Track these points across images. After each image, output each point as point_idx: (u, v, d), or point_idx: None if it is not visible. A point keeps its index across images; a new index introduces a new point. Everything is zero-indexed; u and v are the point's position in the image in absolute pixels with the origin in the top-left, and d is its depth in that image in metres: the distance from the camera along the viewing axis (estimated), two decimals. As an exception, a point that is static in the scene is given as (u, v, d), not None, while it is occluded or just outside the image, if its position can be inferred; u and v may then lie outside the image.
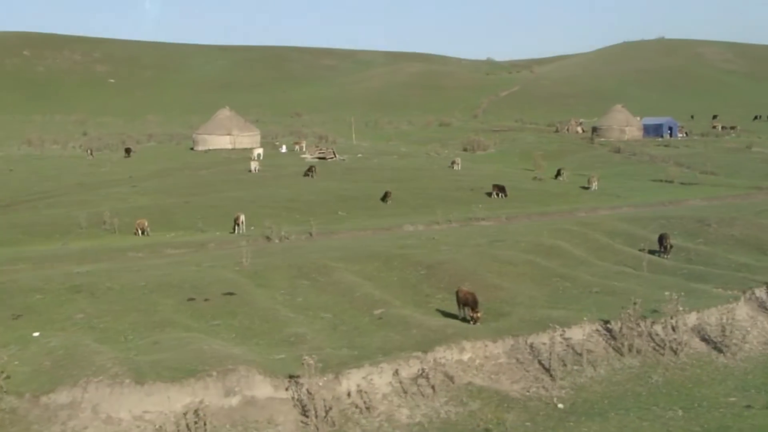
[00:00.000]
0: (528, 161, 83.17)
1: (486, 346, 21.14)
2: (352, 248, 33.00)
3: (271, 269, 29.31)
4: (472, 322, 23.03)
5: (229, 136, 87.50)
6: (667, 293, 23.07)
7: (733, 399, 20.26)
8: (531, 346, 21.52)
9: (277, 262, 30.28)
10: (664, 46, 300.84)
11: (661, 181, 67.31)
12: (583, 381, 20.81)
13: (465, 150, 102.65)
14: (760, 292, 27.39)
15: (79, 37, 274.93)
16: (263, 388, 18.33)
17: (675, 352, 22.41)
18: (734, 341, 23.09)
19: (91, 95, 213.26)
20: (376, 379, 19.13)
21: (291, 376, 18.55)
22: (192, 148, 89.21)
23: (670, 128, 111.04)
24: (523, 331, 21.98)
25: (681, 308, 22.58)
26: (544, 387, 20.31)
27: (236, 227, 42.25)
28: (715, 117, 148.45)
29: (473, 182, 61.59)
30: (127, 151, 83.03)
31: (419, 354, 20.27)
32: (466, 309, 23.61)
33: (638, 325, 22.67)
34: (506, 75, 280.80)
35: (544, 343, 21.34)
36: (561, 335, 22.04)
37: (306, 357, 18.09)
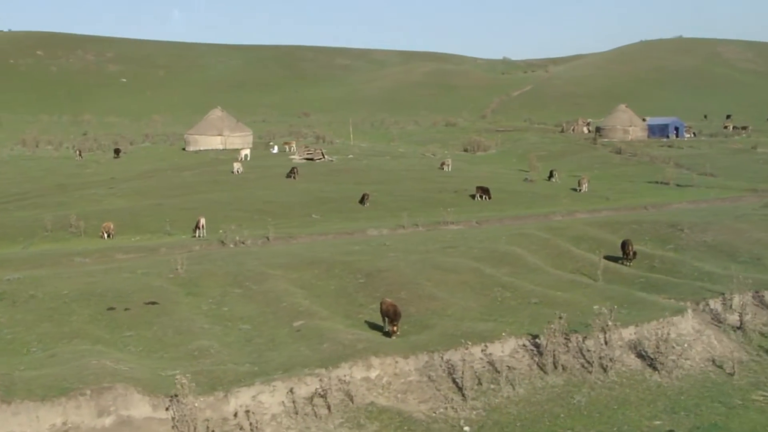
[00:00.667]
0: (527, 162, 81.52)
1: (396, 362, 19.86)
2: (299, 254, 31.86)
3: (206, 276, 28.32)
4: (391, 336, 21.82)
5: (220, 136, 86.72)
6: (596, 306, 21.64)
7: (657, 422, 18.88)
8: (447, 362, 20.20)
9: (214, 268, 29.25)
10: (682, 45, 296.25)
11: (657, 182, 65.39)
12: (498, 401, 19.46)
13: (465, 150, 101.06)
14: (714, 304, 25.90)
15: (93, 37, 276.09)
16: (141, 408, 17.23)
17: (605, 370, 20.98)
18: (672, 358, 21.62)
19: (103, 95, 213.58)
20: (267, 399, 17.96)
21: (173, 395, 17.40)
22: (184, 149, 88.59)
23: (677, 128, 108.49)
24: (442, 346, 20.67)
25: (610, 322, 21.13)
26: (453, 407, 19.00)
27: (197, 231, 41.25)
28: (728, 117, 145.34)
29: (460, 184, 60.16)
30: (117, 151, 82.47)
31: (322, 371, 19.05)
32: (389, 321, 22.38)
33: (568, 339, 21.30)
34: (521, 75, 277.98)
35: (463, 360, 19.99)
36: (483, 351, 20.74)
37: (179, 376, 16.95)
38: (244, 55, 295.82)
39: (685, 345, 22.28)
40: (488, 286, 26.36)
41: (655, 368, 21.41)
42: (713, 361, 22.55)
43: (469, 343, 20.07)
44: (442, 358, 20.27)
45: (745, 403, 20.06)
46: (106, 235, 42.33)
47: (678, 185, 63.02)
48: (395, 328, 21.84)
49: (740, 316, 25.01)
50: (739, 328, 24.77)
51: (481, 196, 54.38)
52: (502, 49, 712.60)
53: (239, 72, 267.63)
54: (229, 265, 29.64)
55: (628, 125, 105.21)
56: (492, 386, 19.85)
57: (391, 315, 22.03)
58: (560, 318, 20.82)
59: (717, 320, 25.10)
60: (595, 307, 21.75)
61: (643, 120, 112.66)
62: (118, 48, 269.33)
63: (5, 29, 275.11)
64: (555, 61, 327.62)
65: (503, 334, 21.00)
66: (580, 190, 59.45)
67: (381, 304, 22.89)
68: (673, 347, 22.08)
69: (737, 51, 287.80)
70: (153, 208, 49.51)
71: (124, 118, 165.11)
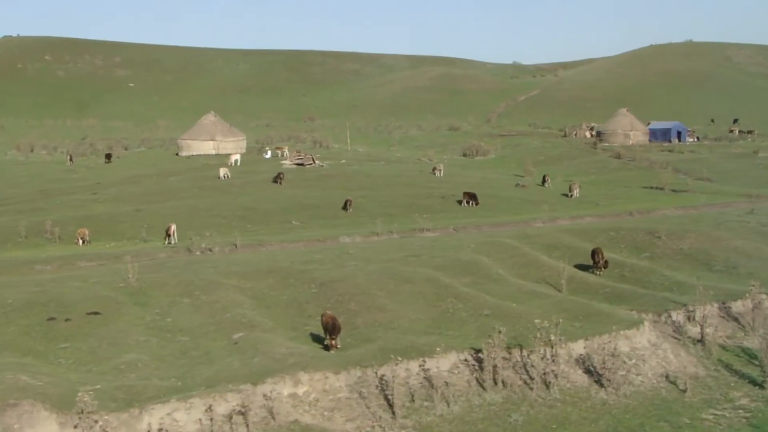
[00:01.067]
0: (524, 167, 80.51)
1: (327, 378, 19.09)
2: (258, 262, 31.16)
3: (158, 286, 27.65)
4: (330, 350, 21.08)
5: (212, 141, 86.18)
6: (537, 320, 20.75)
7: (596, 443, 17.99)
8: (381, 378, 19.40)
9: (168, 277, 28.58)
10: (692, 49, 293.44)
11: (652, 188, 64.23)
12: (430, 419, 18.64)
13: (464, 155, 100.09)
14: (677, 315, 24.97)
15: (100, 42, 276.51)
16: (48, 426, 16.58)
17: (547, 386, 20.11)
18: (621, 373, 20.71)
19: (110, 100, 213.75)
20: (183, 416, 17.24)
21: (80, 412, 16.71)
22: (177, 154, 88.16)
23: (679, 132, 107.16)
24: (378, 361, 19.87)
25: (554, 336, 20.26)
26: (381, 426, 18.21)
27: (168, 238, 40.66)
28: (735, 121, 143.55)
29: (449, 190, 59.23)
30: (108, 156, 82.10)
31: (247, 386, 18.32)
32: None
33: (510, 354, 20.44)
34: (530, 79, 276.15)
35: (397, 376, 19.18)
36: (420, 366, 19.93)
37: (82, 392, 16.27)
38: (252, 60, 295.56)
39: (635, 360, 21.35)
40: (442, 297, 25.51)
41: (602, 385, 20.52)
42: (667, 376, 21.63)
43: (400, 358, 19.27)
44: (376, 373, 19.48)
45: (693, 423, 19.17)
46: (81, 242, 41.84)
47: (673, 190, 61.90)
48: (334, 342, 21.11)
49: (701, 328, 24.07)
50: (699, 341, 23.84)
51: (468, 202, 53.45)
52: (512, 54, 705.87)
53: (247, 77, 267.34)
54: (183, 274, 28.98)
55: (629, 129, 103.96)
56: (426, 403, 19.04)
57: (330, 328, 21.29)
58: (500, 332, 19.97)
59: (678, 333, 24.17)
60: (537, 320, 20.84)
61: (647, 124, 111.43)
62: (125, 52, 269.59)
63: (13, 34, 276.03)
64: (565, 65, 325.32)
65: (437, 349, 20.13)
66: (571, 196, 58.50)
67: (321, 316, 22.16)
68: (624, 362, 21.19)
69: (747, 55, 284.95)
70: (132, 214, 48.90)
71: (129, 122, 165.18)
